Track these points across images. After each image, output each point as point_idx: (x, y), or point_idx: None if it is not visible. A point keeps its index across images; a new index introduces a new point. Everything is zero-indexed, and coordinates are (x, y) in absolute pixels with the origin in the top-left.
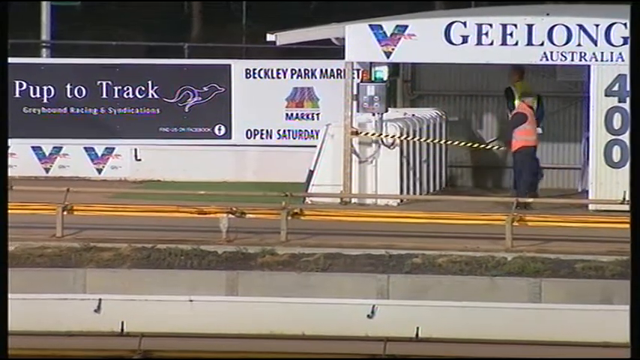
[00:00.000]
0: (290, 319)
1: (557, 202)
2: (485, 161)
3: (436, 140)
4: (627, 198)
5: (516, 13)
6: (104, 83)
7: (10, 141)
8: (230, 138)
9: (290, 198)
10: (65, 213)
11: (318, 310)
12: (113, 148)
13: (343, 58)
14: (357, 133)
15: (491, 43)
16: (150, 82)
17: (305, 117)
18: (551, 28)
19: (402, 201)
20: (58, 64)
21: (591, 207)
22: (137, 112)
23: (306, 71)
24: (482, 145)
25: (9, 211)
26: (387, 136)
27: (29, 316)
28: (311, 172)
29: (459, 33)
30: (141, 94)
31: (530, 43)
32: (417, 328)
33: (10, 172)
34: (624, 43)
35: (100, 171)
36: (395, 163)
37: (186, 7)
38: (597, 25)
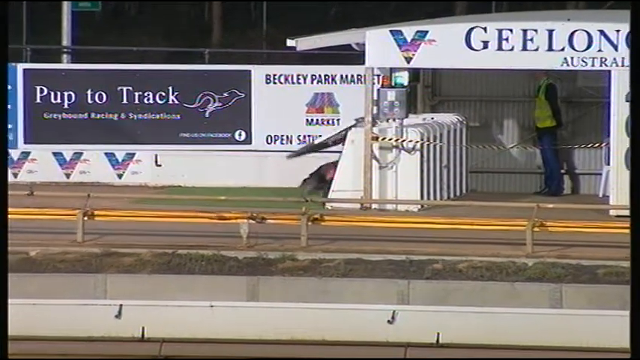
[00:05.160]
0: (310, 324)
1: (578, 207)
2: (507, 166)
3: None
4: None
5: (537, 19)
6: (124, 89)
7: (31, 147)
8: (250, 143)
9: (310, 203)
10: (86, 218)
11: (339, 315)
12: (133, 154)
13: (363, 63)
14: (377, 139)
15: (512, 49)
16: (170, 88)
17: (325, 122)
18: (572, 34)
19: (422, 206)
20: (78, 69)
21: (612, 212)
22: (157, 117)
23: (327, 77)
24: None
25: (30, 217)
26: (410, 141)
27: (50, 321)
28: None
29: (479, 38)
30: (161, 100)
31: (550, 48)
32: (438, 334)
33: (31, 178)
34: None
35: (120, 176)
36: (415, 169)
37: (207, 12)
38: (618, 31)
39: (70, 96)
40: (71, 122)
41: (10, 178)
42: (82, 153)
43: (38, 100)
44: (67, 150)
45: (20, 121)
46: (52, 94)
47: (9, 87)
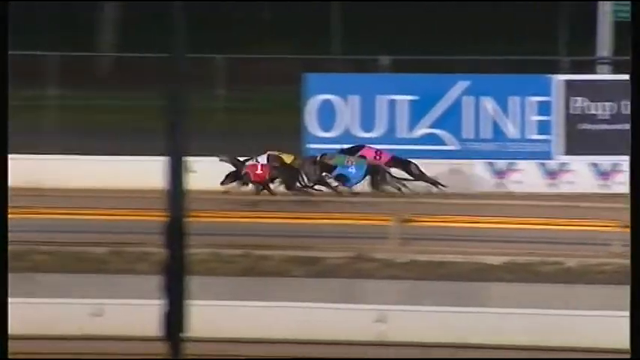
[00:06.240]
0: None
1: None
2: None
3: None
4: None
5: None
6: None
7: (569, 158)
8: None
9: None
10: (621, 230)
11: None
12: None
13: None
14: None
15: None
16: None
17: None
18: None
19: None
20: (615, 80)
21: None
22: None
23: None
24: None
25: (567, 227)
26: None
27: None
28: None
29: None
30: None
31: None
32: None
33: (569, 189)
34: None
35: None
36: None
37: None
38: None
39: (607, 107)
40: (607, 133)
41: (550, 190)
42: (619, 164)
43: (576, 112)
44: (603, 161)
45: (558, 132)
46: (589, 105)
47: (547, 98)
